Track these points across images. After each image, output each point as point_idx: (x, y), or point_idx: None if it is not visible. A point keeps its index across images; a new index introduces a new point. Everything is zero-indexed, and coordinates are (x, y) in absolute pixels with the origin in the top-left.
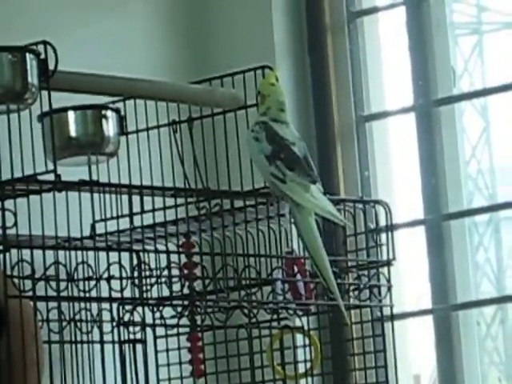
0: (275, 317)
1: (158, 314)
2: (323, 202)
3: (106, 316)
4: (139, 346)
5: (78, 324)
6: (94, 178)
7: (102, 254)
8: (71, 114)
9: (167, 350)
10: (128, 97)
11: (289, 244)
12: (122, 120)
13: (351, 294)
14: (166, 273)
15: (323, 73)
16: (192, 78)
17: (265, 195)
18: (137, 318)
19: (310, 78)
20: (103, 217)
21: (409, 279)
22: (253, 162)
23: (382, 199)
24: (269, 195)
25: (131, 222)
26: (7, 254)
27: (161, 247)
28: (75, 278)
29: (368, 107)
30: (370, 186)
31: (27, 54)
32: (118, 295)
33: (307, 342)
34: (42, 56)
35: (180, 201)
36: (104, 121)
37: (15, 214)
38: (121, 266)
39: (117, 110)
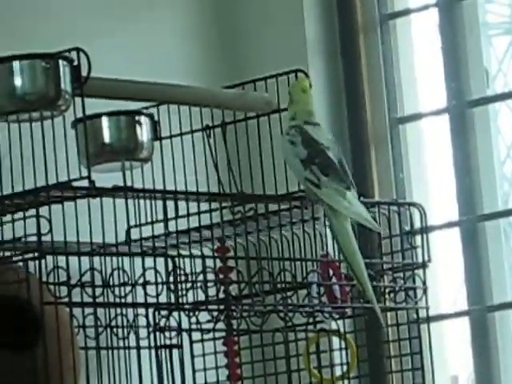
0: (311, 320)
1: (193, 319)
2: (358, 208)
3: (141, 321)
4: (175, 351)
5: (114, 330)
6: (128, 183)
7: (137, 260)
8: (105, 120)
9: (203, 355)
10: (161, 102)
11: (324, 247)
12: (155, 125)
13: (387, 296)
14: (201, 277)
15: (356, 75)
16: (225, 83)
17: (299, 199)
18: (173, 323)
19: (343, 80)
20: (138, 222)
21: (444, 281)
22: (287, 166)
23: (416, 201)
24: (303, 199)
25: (166, 227)
26: (42, 261)
27: (196, 252)
28: (111, 283)
29: (401, 109)
30: (405, 189)
31: (60, 61)
32: (154, 300)
33: (343, 344)
34: (75, 63)
35: (214, 205)
36: (137, 126)
37: (50, 221)
38: (156, 271)
39: (150, 116)
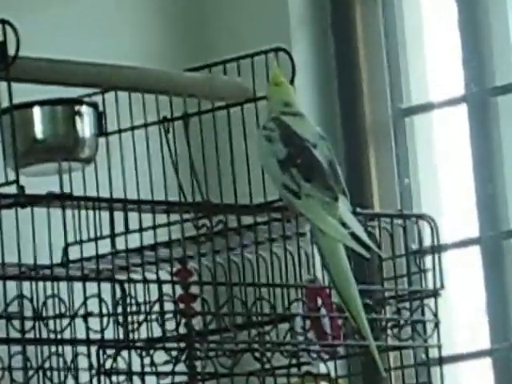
0: (294, 361)
1: (147, 360)
2: (349, 223)
3: (82, 363)
4: None
5: (48, 373)
6: (66, 190)
7: (78, 286)
8: (37, 111)
9: None
10: (108, 88)
11: (311, 270)
12: (100, 117)
13: (389, 332)
14: (157, 308)
15: (350, 55)
16: (188, 64)
17: (280, 210)
18: (121, 365)
19: (335, 63)
20: (78, 239)
21: (461, 312)
22: (264, 169)
23: (426, 213)
24: (285, 210)
25: (113, 244)
26: None
27: (150, 276)
28: (44, 315)
29: (408, 98)
30: (412, 197)
31: None
32: (98, 336)
33: None
34: (0, 38)
35: (174, 218)
36: (78, 118)
37: None
38: (101, 299)
39: (94, 105)
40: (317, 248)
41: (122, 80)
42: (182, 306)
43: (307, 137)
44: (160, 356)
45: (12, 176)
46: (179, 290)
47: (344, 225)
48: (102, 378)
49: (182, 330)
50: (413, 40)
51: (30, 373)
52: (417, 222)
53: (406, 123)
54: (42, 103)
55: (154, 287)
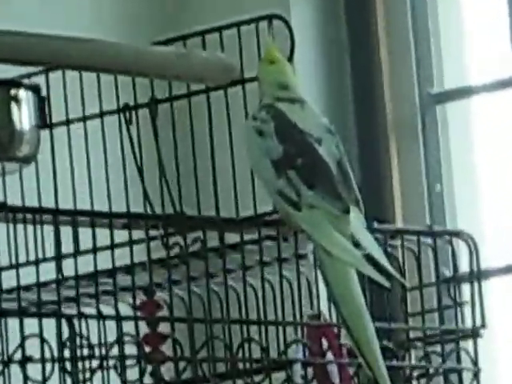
0: None
1: None
2: (364, 244)
3: None
4: None
5: None
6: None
7: (13, 322)
8: None
9: None
10: (53, 67)
11: (314, 303)
12: (43, 104)
13: (415, 383)
14: (115, 351)
15: (367, 26)
16: (157, 36)
17: (274, 225)
18: None
19: (347, 37)
20: (13, 262)
21: (507, 358)
22: (253, 171)
23: (463, 230)
24: (281, 225)
25: (59, 269)
26: None
27: (107, 310)
28: None
29: (440, 82)
30: (444, 209)
31: None
32: None
33: None
34: None
35: (138, 234)
36: (14, 106)
37: None
38: (43, 340)
39: (35, 89)
40: (321, 274)
41: (70, 56)
42: (147, 348)
43: (310, 130)
44: None
45: None
46: (144, 329)
47: (357, 245)
48: None
49: (148, 380)
50: (447, 8)
51: None
52: (451, 241)
53: (437, 113)
54: None
55: (111, 324)
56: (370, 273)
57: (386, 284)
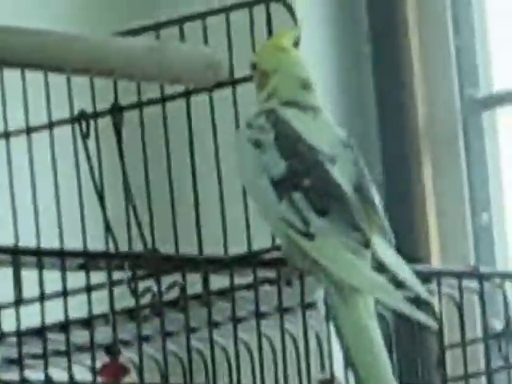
0: None
1: None
2: (398, 275)
3: None
4: None
5: None
6: None
7: None
8: None
9: None
10: None
11: (325, 365)
12: None
13: None
14: None
15: (396, 20)
16: (122, 25)
17: (274, 264)
18: None
19: (367, 22)
20: None
21: None
22: (248, 193)
23: None
24: (282, 264)
25: None
26: None
27: (58, 374)
28: None
29: (486, 84)
30: (494, 243)
31: None
32: None
33: None
34: None
35: (97, 278)
36: None
37: None
38: None
39: None
40: (335, 328)
41: (11, 51)
42: None
43: (320, 146)
44: None
45: None
46: None
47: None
48: None
49: None
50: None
51: None
52: (502, 285)
53: (483, 121)
54: None
55: None
56: (407, 310)
57: (432, 324)
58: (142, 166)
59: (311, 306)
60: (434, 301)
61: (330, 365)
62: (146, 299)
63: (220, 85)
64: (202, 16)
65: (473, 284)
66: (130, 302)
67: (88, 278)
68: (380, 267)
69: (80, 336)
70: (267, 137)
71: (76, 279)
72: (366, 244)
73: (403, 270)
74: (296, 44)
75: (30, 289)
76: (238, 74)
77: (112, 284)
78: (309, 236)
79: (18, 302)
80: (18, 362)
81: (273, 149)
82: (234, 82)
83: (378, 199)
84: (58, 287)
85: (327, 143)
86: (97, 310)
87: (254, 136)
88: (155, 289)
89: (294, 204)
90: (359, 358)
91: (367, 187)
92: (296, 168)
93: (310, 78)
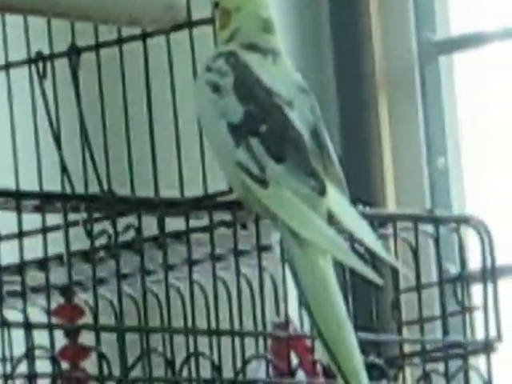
0: None
1: None
2: (351, 227)
3: None
4: None
5: None
6: None
7: None
8: None
9: None
10: None
11: (280, 308)
12: None
13: None
14: (23, 368)
15: None
16: None
17: (230, 207)
18: None
19: None
20: None
21: None
22: (205, 138)
23: (473, 215)
24: (238, 207)
25: None
26: None
27: (13, 315)
28: None
29: (444, 27)
30: (449, 188)
31: None
32: None
33: None
34: None
35: (53, 220)
36: None
37: None
38: None
39: None
40: (290, 271)
41: None
42: (65, 365)
43: (279, 90)
44: None
45: None
46: (61, 340)
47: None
48: None
49: None
50: None
51: None
52: (458, 229)
53: (440, 65)
54: None
55: (19, 334)
56: (357, 265)
57: (378, 281)
58: (98, 107)
59: (267, 248)
60: (389, 246)
61: (285, 308)
62: (101, 241)
63: (178, 27)
64: None
65: (428, 228)
66: (85, 244)
67: (44, 219)
68: (332, 217)
69: (35, 277)
70: (226, 81)
71: (31, 220)
72: (322, 192)
73: (357, 222)
74: None
75: None
76: (195, 16)
77: (68, 225)
78: (263, 183)
79: None
80: None
81: (231, 94)
82: (191, 24)
83: (331, 146)
84: (14, 228)
85: (286, 88)
86: (52, 252)
87: (213, 79)
88: (111, 231)
89: (251, 149)
90: (314, 301)
91: (323, 133)
92: (254, 113)
93: (273, 19)
